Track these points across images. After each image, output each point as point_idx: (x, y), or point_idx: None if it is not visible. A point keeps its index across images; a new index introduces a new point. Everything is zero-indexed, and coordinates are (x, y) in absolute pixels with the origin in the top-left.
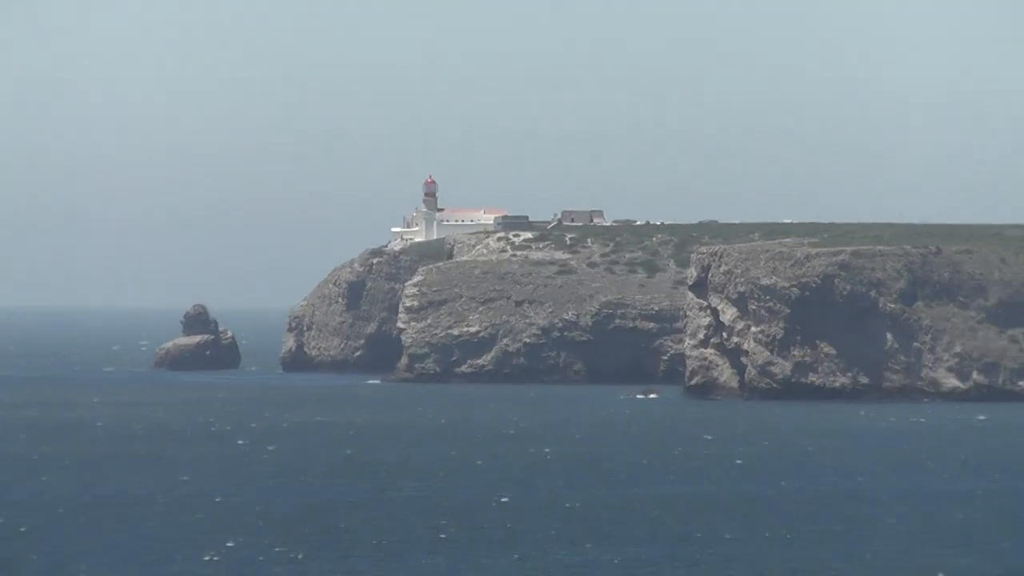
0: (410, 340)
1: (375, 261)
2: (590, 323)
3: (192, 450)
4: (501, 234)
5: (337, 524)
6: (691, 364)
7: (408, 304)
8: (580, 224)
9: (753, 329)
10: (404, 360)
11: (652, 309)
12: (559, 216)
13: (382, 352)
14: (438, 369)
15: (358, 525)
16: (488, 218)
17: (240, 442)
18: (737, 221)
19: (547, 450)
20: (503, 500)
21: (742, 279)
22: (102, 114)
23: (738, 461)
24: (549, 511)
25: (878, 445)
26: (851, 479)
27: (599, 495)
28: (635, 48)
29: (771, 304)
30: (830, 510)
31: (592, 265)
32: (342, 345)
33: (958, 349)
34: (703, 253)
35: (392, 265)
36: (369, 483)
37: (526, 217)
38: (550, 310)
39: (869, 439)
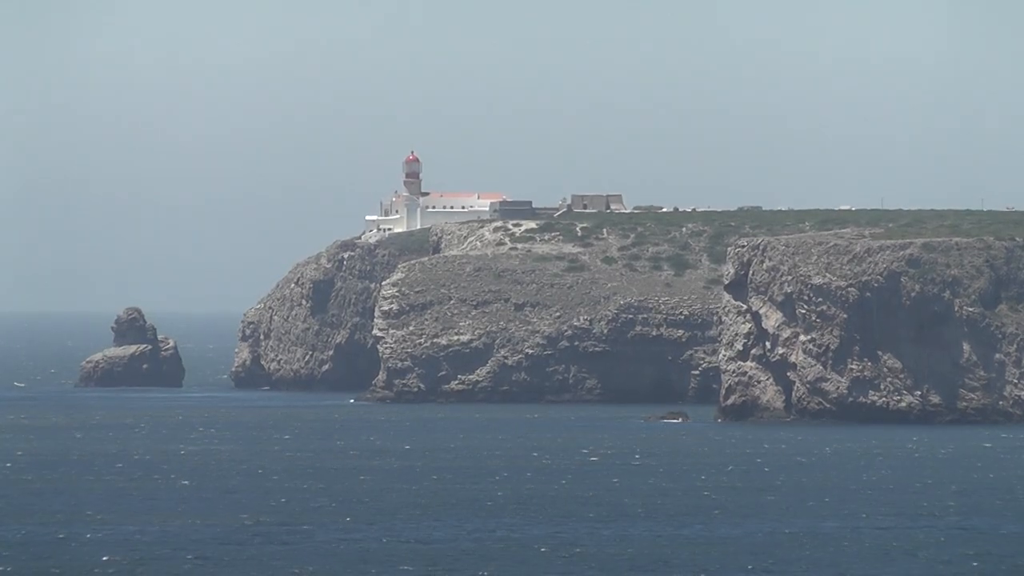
0: (388, 351)
1: (346, 256)
2: (606, 331)
3: None
4: (498, 223)
5: None
6: (727, 380)
7: (386, 308)
8: (594, 211)
9: (802, 338)
10: (381, 375)
11: (680, 314)
12: (568, 202)
13: (354, 366)
14: (422, 386)
15: None
16: (483, 204)
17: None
18: (784, 208)
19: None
20: None
21: (789, 277)
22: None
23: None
24: None
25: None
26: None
27: None
28: None
29: (824, 308)
30: None
31: (608, 261)
32: (306, 357)
33: None
34: (742, 246)
35: (366, 260)
36: None
37: (529, 203)
38: (557, 315)
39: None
